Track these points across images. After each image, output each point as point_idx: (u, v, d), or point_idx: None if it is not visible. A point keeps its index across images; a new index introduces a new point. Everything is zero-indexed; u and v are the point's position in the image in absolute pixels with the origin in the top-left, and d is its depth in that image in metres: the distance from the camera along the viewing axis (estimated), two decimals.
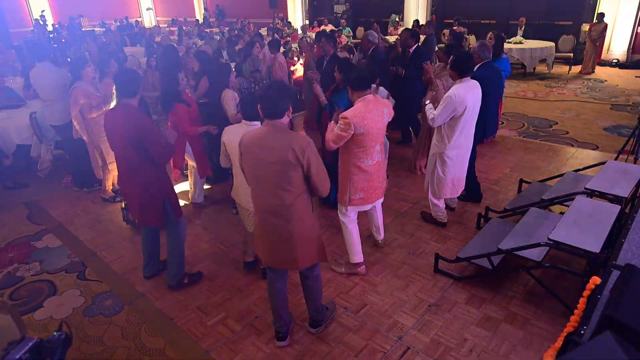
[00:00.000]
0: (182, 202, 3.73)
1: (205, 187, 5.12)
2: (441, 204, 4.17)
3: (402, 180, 5.32)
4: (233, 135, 3.18)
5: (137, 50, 12.14)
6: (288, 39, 11.70)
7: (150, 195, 3.25)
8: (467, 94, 3.66)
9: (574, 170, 4.49)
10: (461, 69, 3.69)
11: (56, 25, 17.16)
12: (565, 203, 3.71)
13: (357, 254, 3.59)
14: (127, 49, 12.22)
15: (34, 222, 4.80)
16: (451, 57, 3.80)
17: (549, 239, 2.92)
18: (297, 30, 14.11)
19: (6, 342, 1.93)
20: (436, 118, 3.71)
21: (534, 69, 10.86)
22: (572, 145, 6.25)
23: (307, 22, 15.77)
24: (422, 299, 3.33)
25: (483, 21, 13.42)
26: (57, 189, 5.53)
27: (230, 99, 4.38)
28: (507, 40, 10.94)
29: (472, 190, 4.67)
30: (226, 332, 3.11)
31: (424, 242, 4.03)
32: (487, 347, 2.87)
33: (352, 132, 3.09)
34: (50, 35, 15.65)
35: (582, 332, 1.91)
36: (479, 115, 4.00)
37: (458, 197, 4.48)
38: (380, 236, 3.94)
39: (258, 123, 3.17)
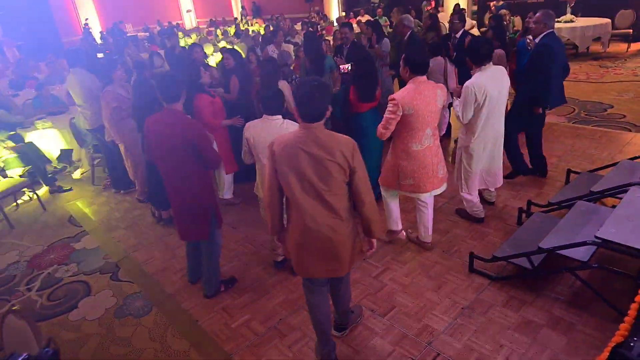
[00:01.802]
0: None
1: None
2: (474, 198, 3.91)
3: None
4: (256, 130, 3.10)
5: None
6: (323, 32, 11.54)
7: (202, 204, 3.12)
8: (489, 82, 3.40)
9: (629, 159, 4.07)
10: (476, 57, 3.48)
11: (104, 33, 17.94)
12: (618, 195, 3.34)
13: (396, 223, 3.73)
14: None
15: (74, 224, 4.98)
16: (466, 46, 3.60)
17: (596, 237, 2.63)
18: (332, 22, 13.92)
19: (21, 347, 1.95)
20: (462, 114, 3.50)
21: (587, 48, 10.09)
22: (630, 131, 5.70)
23: (344, 13, 15.53)
24: (455, 301, 3.12)
25: (530, 1, 12.60)
26: (97, 191, 5.73)
27: (286, 90, 4.33)
28: (556, 20, 10.23)
29: (538, 166, 4.63)
30: (250, 335, 3.05)
31: (459, 240, 3.79)
32: (525, 355, 2.62)
33: (401, 114, 3.06)
34: (99, 43, 16.37)
35: (632, 344, 1.68)
36: (541, 84, 4.00)
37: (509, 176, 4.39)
38: (429, 238, 3.68)
39: (280, 117, 3.09)
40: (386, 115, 3.14)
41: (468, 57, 3.60)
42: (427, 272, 3.44)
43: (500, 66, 3.65)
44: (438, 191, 3.45)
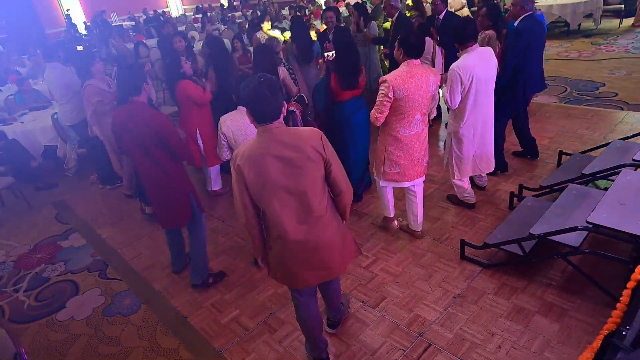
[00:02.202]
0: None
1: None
2: (465, 184, 3.85)
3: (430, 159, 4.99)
4: (234, 124, 3.02)
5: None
6: (311, 16, 11.33)
7: (176, 191, 3.14)
8: (475, 64, 3.31)
9: (621, 139, 4.01)
10: (460, 38, 3.38)
11: (88, 24, 17.55)
12: (610, 178, 3.30)
13: (388, 209, 3.68)
14: (151, 41, 12.31)
15: (61, 222, 4.90)
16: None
17: (587, 222, 2.58)
18: (320, 6, 13.66)
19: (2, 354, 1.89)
20: (450, 99, 3.42)
21: (579, 25, 9.97)
22: (622, 109, 5.64)
23: None
24: (447, 289, 3.08)
25: None
26: (83, 188, 5.63)
27: (286, 77, 4.22)
28: None
29: (528, 148, 4.58)
30: (239, 331, 3.01)
31: (450, 227, 3.74)
32: (517, 343, 2.59)
33: (392, 96, 2.99)
34: (83, 34, 16.02)
35: (624, 332, 1.63)
36: (519, 73, 3.88)
37: (491, 173, 4.14)
38: (419, 226, 3.62)
39: None
40: (379, 98, 3.05)
41: (451, 38, 3.52)
42: (418, 261, 3.40)
43: (488, 47, 3.55)
44: (419, 180, 3.41)
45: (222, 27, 12.53)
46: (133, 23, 17.93)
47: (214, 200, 4.78)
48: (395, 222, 3.76)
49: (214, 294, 3.39)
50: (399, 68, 3.06)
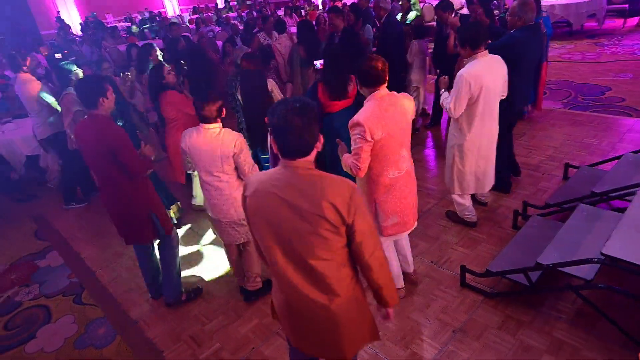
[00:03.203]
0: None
1: None
2: (467, 201, 3.58)
3: (427, 172, 4.74)
4: (191, 141, 2.81)
5: (155, 43, 11.92)
6: (306, 17, 11.06)
7: (132, 210, 2.96)
8: (485, 71, 3.03)
9: (634, 152, 3.74)
10: (472, 42, 3.06)
11: (83, 24, 17.28)
12: (625, 198, 3.03)
13: (396, 279, 2.97)
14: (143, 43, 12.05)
15: (40, 238, 4.64)
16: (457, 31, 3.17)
17: (602, 254, 2.32)
18: (316, 7, 13.40)
19: None
20: (453, 107, 3.12)
21: (582, 26, 9.67)
22: (630, 116, 5.36)
23: None
24: (446, 322, 2.82)
25: None
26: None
27: (275, 89, 3.95)
28: None
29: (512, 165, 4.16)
30: None
31: (449, 248, 3.48)
32: None
33: (371, 139, 2.39)
34: (79, 35, 15.75)
35: None
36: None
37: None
38: (410, 268, 3.15)
39: (218, 125, 2.77)
40: (355, 145, 2.42)
41: (460, 42, 3.15)
42: (415, 288, 3.14)
43: (498, 56, 3.23)
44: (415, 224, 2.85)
45: (217, 29, 12.26)
46: (129, 24, 17.70)
47: (201, 216, 4.52)
48: (403, 292, 3.06)
49: (193, 324, 3.13)
50: (365, 105, 2.47)
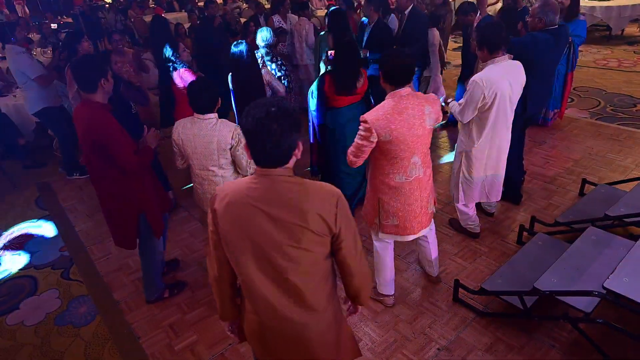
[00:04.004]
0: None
1: None
2: (470, 211, 3.39)
3: (436, 174, 4.53)
4: (185, 132, 2.62)
5: (180, 16, 11.84)
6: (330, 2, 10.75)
7: (123, 211, 2.72)
8: (502, 77, 2.81)
9: None
10: (490, 44, 2.83)
11: None
12: None
13: (385, 285, 2.88)
14: (170, 14, 11.99)
15: (40, 207, 4.65)
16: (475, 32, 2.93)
17: (603, 287, 2.13)
18: None
19: None
20: (463, 112, 2.92)
21: (622, 30, 9.15)
22: None
23: None
24: (431, 338, 2.67)
25: None
26: None
27: (271, 79, 3.74)
28: None
29: (512, 189, 3.86)
30: None
31: (447, 258, 3.31)
32: None
33: (375, 140, 2.32)
34: (106, 4, 15.71)
35: None
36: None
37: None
38: (435, 272, 3.05)
39: (213, 116, 2.58)
40: (357, 140, 2.39)
41: (478, 44, 2.92)
42: (405, 297, 3.00)
43: (518, 61, 3.00)
44: (426, 231, 2.74)
45: (244, 6, 12.07)
46: None
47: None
48: (392, 299, 2.93)
49: (174, 312, 3.07)
50: (384, 101, 2.37)
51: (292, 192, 1.43)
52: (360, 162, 2.46)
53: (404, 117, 2.28)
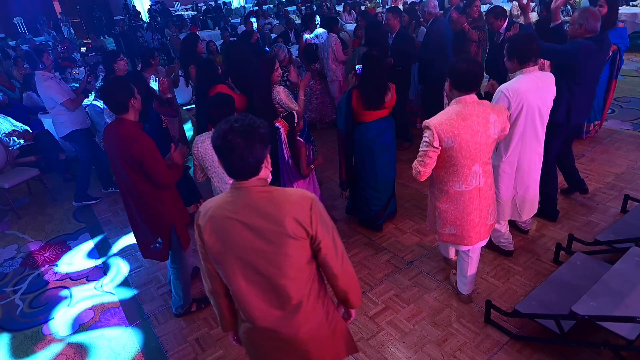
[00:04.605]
0: None
1: None
2: (503, 228, 3.26)
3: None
4: (204, 146, 2.69)
5: (214, 34, 12.18)
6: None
7: (155, 224, 2.77)
8: (531, 89, 2.73)
9: None
10: (521, 55, 2.75)
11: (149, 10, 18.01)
12: None
13: (450, 253, 3.29)
14: (204, 32, 12.34)
15: (78, 219, 4.82)
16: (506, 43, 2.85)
17: None
18: (378, 3, 13.07)
19: None
20: None
21: None
22: None
23: None
24: None
25: None
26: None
27: (283, 96, 3.61)
28: (632, 3, 8.93)
29: (574, 182, 3.92)
30: None
31: (479, 277, 3.19)
32: None
33: (439, 146, 2.33)
34: (144, 23, 16.40)
35: None
36: (563, 97, 3.18)
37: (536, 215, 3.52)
38: (466, 290, 2.94)
39: None
40: (422, 147, 2.38)
41: (508, 54, 2.83)
42: (434, 317, 2.90)
43: (549, 73, 2.91)
44: (484, 242, 2.71)
45: (275, 22, 12.31)
46: (194, 12, 18.25)
47: None
48: (455, 257, 3.18)
49: (201, 326, 3.09)
50: (447, 108, 2.41)
51: (265, 200, 1.49)
52: (427, 171, 2.43)
53: (468, 123, 2.29)
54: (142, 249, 2.94)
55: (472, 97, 2.34)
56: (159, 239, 2.81)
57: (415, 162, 2.45)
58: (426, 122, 2.35)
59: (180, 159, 2.79)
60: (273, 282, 1.54)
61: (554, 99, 3.01)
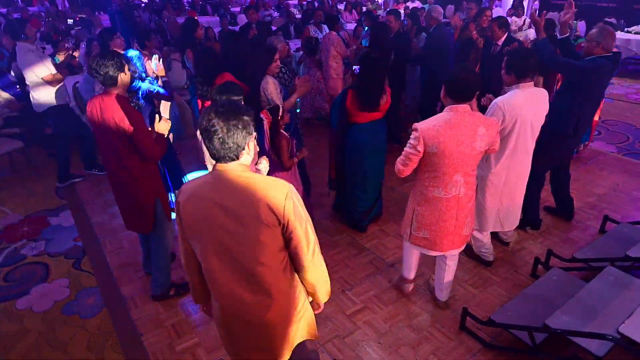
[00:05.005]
0: None
1: None
2: (485, 238, 3.32)
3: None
4: None
5: (212, 20, 12.06)
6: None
7: (139, 195, 2.85)
8: (525, 104, 2.79)
9: None
10: (519, 70, 2.81)
11: None
12: None
13: (408, 269, 3.05)
14: (203, 18, 12.21)
15: (60, 196, 4.74)
16: (505, 57, 2.91)
17: (618, 332, 2.05)
18: (380, 5, 13.11)
19: None
20: None
21: None
22: None
23: None
24: None
25: (600, 4, 11.36)
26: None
27: (272, 88, 3.56)
28: (626, 29, 9.12)
29: (564, 208, 3.95)
30: None
31: (457, 284, 3.24)
32: None
33: (422, 150, 2.36)
34: (142, 3, 16.11)
35: None
36: (573, 111, 3.28)
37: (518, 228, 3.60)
38: (442, 296, 3.00)
39: None
40: (406, 148, 2.43)
41: (507, 68, 2.89)
42: (411, 320, 2.94)
43: (543, 89, 2.98)
44: (456, 251, 2.75)
45: (275, 14, 12.25)
46: None
47: None
48: (412, 286, 3.12)
49: (178, 312, 3.08)
50: (439, 114, 2.42)
51: (245, 185, 1.54)
52: (407, 171, 2.49)
53: (455, 132, 2.31)
54: (128, 221, 3.01)
55: (465, 107, 2.36)
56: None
57: (399, 160, 2.50)
58: (415, 124, 2.38)
59: (164, 130, 2.89)
60: (245, 266, 1.60)
61: (561, 112, 3.18)
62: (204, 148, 1.59)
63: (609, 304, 2.46)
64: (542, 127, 3.00)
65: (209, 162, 2.90)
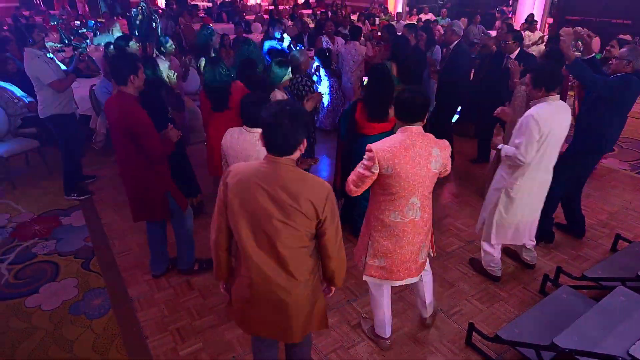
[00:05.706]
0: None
1: None
2: (495, 252, 3.29)
3: (461, 210, 4.44)
4: (232, 139, 2.69)
5: (227, 27, 12.21)
6: (378, 27, 10.88)
7: (148, 191, 3.07)
8: (554, 117, 2.82)
9: None
10: (548, 83, 2.83)
11: None
12: None
13: (380, 326, 2.76)
14: (218, 25, 12.38)
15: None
16: (530, 71, 2.92)
17: (628, 354, 2.01)
18: (392, 17, 13.17)
19: None
20: (527, 151, 2.82)
21: None
22: None
23: (407, 8, 14.70)
24: None
25: (615, 20, 11.27)
26: (106, 163, 5.54)
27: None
28: None
29: (574, 225, 3.95)
30: None
31: (464, 299, 3.21)
32: None
33: (377, 171, 2.26)
34: (158, 9, 16.37)
35: None
36: (596, 127, 3.37)
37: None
38: (427, 312, 2.92)
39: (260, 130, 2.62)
40: (359, 169, 2.31)
41: (534, 81, 2.87)
42: (416, 334, 2.92)
43: (565, 103, 3.00)
44: (412, 280, 2.56)
45: (289, 23, 12.36)
46: (210, 4, 18.25)
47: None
48: (388, 343, 2.79)
49: (183, 317, 3.09)
50: (393, 135, 2.35)
51: (291, 178, 1.73)
52: (359, 192, 2.39)
53: (410, 153, 2.22)
54: (137, 213, 3.19)
55: (417, 127, 2.29)
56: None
57: (350, 180, 2.38)
58: (369, 145, 2.28)
59: (174, 137, 3.02)
60: (277, 249, 1.78)
61: (588, 127, 3.27)
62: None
63: (619, 325, 2.42)
64: (567, 142, 3.03)
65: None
